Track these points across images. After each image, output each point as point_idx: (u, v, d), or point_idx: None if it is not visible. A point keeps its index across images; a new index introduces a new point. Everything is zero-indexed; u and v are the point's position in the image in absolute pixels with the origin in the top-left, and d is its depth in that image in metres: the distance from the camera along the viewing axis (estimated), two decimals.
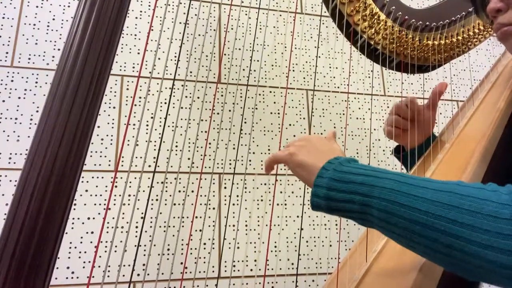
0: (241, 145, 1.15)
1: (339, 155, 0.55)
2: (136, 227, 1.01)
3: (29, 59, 1.06)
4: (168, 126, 1.10)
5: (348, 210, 0.48)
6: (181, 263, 1.02)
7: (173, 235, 1.03)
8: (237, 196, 1.11)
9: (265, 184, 1.14)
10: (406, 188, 0.44)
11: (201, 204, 1.07)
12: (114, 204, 1.01)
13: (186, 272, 1.02)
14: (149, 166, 1.06)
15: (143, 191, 1.04)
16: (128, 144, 1.06)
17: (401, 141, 0.84)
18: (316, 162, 0.53)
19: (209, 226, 1.06)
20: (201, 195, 1.08)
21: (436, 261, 0.43)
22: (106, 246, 0.97)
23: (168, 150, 1.07)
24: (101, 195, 1.01)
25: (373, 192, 0.45)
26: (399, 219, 0.43)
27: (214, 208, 1.08)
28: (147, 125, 1.09)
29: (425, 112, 0.81)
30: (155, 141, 1.08)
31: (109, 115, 1.07)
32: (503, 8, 0.62)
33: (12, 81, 1.04)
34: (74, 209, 0.99)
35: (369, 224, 0.48)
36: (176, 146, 1.09)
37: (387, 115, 1.32)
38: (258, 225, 1.09)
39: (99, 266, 0.96)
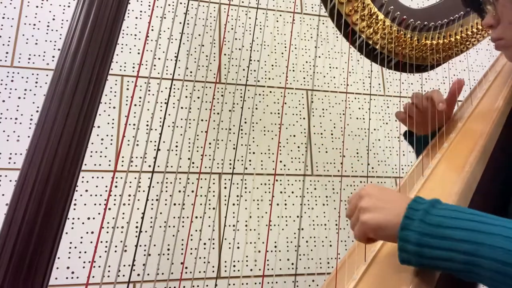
0: (241, 145, 1.15)
1: (407, 199, 0.50)
2: (136, 227, 1.01)
3: (29, 59, 1.06)
4: (168, 126, 1.10)
5: (447, 268, 0.45)
6: (181, 263, 1.02)
7: (173, 235, 1.03)
8: (237, 196, 1.11)
9: (264, 184, 1.14)
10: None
11: (200, 204, 1.07)
12: (114, 204, 1.01)
13: (185, 272, 1.02)
14: (149, 166, 1.06)
15: (143, 191, 1.04)
16: (128, 144, 1.06)
17: (413, 128, 0.84)
18: (393, 218, 0.49)
19: (209, 226, 1.07)
20: (200, 195, 1.08)
21: None
22: (105, 246, 0.98)
23: (167, 150, 1.07)
24: (101, 195, 1.02)
25: (480, 251, 0.42)
26: None
27: (213, 208, 1.08)
28: (147, 125, 1.09)
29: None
30: (154, 141, 1.08)
31: (109, 115, 1.07)
32: (494, 24, 0.67)
33: (12, 81, 1.04)
34: (74, 209, 0.99)
35: (475, 280, 0.45)
36: (176, 146, 1.09)
37: (387, 115, 1.32)
38: (258, 225, 1.09)
39: (99, 266, 0.96)
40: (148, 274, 0.98)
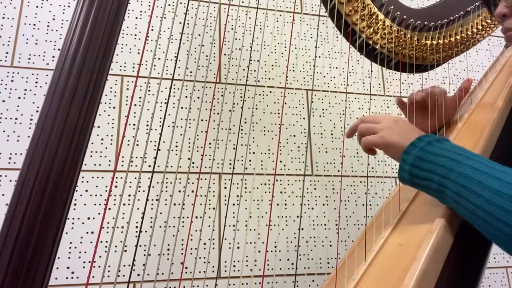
0: (241, 145, 1.15)
1: (420, 133, 0.60)
2: (136, 227, 1.01)
3: (29, 59, 1.06)
4: (168, 126, 1.10)
5: (427, 187, 0.55)
6: (181, 263, 1.02)
7: (173, 235, 1.03)
8: (237, 196, 1.11)
9: (264, 184, 1.14)
10: (481, 176, 0.48)
11: (200, 204, 1.07)
12: (114, 204, 1.01)
13: (185, 272, 1.02)
14: (149, 166, 1.06)
15: (143, 191, 1.04)
16: (127, 144, 1.06)
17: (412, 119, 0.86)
18: (403, 141, 0.59)
19: (209, 226, 1.07)
20: (200, 195, 1.08)
21: (499, 245, 0.47)
22: (105, 246, 0.98)
23: (167, 150, 1.07)
24: (101, 195, 1.02)
25: (450, 175, 0.51)
26: (468, 202, 0.48)
27: (213, 208, 1.08)
28: (147, 125, 1.09)
29: (448, 102, 0.82)
30: (154, 141, 1.08)
31: (109, 115, 1.07)
32: (508, 14, 0.66)
33: (12, 81, 1.04)
34: (74, 209, 0.99)
35: (444, 201, 0.54)
36: (176, 146, 1.09)
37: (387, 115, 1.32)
38: (258, 225, 1.09)
39: (99, 266, 0.96)
40: (148, 274, 0.98)
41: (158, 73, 1.14)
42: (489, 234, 0.48)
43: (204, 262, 1.03)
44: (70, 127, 0.45)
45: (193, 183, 1.09)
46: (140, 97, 1.11)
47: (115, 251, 0.98)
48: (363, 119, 0.68)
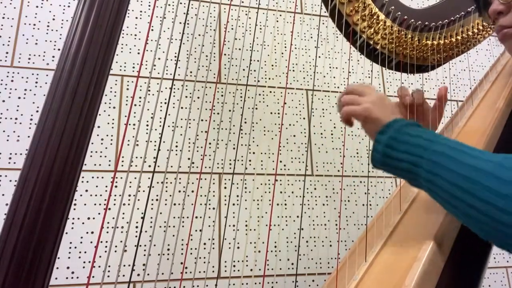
0: (241, 145, 1.15)
1: (399, 116, 0.59)
2: (136, 227, 1.01)
3: (29, 59, 1.06)
4: (168, 126, 1.10)
5: (399, 168, 0.53)
6: (181, 263, 1.02)
7: (173, 235, 1.03)
8: (237, 196, 1.11)
9: (265, 184, 1.14)
10: (456, 153, 0.46)
11: (201, 204, 1.07)
12: (114, 204, 1.01)
13: (185, 272, 1.02)
14: (149, 166, 1.06)
15: (143, 191, 1.04)
16: (128, 144, 1.06)
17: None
18: (384, 119, 0.58)
19: (209, 226, 1.07)
20: (201, 195, 1.08)
21: (472, 227, 0.45)
22: (106, 246, 0.97)
23: (168, 150, 1.07)
24: (101, 195, 1.02)
25: (424, 154, 0.49)
26: (442, 180, 0.46)
27: (214, 208, 1.08)
28: (147, 125, 1.09)
29: (431, 113, 0.80)
30: (155, 141, 1.08)
31: (109, 115, 1.07)
32: (504, 11, 0.64)
33: (12, 81, 1.04)
34: (74, 209, 0.99)
35: (417, 183, 0.52)
36: (176, 146, 1.09)
37: None
38: (258, 225, 1.09)
39: (99, 266, 0.96)
40: (148, 274, 0.98)
41: (158, 73, 1.14)
42: (462, 215, 0.45)
43: (204, 262, 1.03)
44: (71, 127, 0.45)
45: (193, 183, 1.09)
46: (140, 97, 1.11)
47: (115, 251, 0.98)
48: (351, 89, 0.66)
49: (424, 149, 0.50)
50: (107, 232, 0.98)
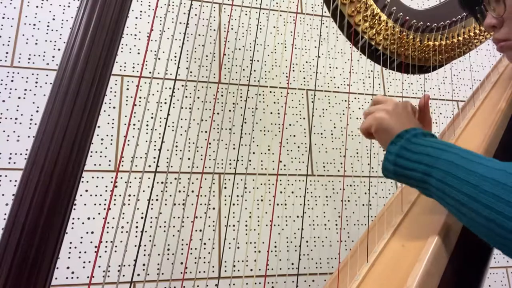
0: (242, 145, 1.15)
1: (416, 125, 0.59)
2: (137, 227, 1.01)
3: (29, 59, 1.06)
4: (169, 126, 1.10)
5: (411, 177, 0.53)
6: (182, 263, 1.02)
7: (174, 235, 1.03)
8: (238, 196, 1.10)
9: (265, 184, 1.14)
10: (466, 162, 0.47)
11: (201, 204, 1.07)
12: (115, 204, 1.01)
13: (186, 272, 1.01)
14: (149, 166, 1.06)
15: (144, 191, 1.04)
16: (128, 144, 1.06)
17: None
18: (397, 128, 0.57)
19: (210, 226, 1.06)
20: (201, 195, 1.07)
21: (482, 235, 0.46)
22: (106, 246, 0.97)
23: (168, 150, 1.07)
24: (101, 195, 1.01)
25: (435, 164, 0.50)
26: (453, 190, 0.46)
27: (214, 208, 1.08)
28: (148, 125, 1.09)
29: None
30: (155, 141, 1.08)
31: (109, 115, 1.07)
32: (497, 25, 0.64)
33: (12, 81, 1.03)
34: (74, 209, 0.99)
35: (428, 192, 0.53)
36: (177, 146, 1.09)
37: None
38: (258, 225, 1.09)
39: (99, 266, 0.96)
40: (148, 274, 0.98)
41: (159, 73, 1.14)
42: (473, 224, 0.45)
43: (205, 262, 1.03)
44: (72, 127, 0.44)
45: (193, 183, 1.09)
46: (140, 97, 1.10)
47: (116, 251, 0.98)
48: (374, 100, 0.65)
49: (435, 158, 0.50)
50: (108, 232, 0.98)
